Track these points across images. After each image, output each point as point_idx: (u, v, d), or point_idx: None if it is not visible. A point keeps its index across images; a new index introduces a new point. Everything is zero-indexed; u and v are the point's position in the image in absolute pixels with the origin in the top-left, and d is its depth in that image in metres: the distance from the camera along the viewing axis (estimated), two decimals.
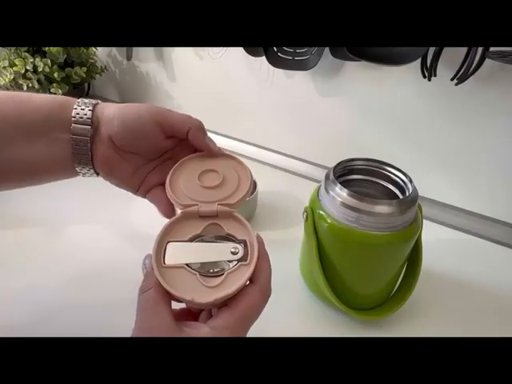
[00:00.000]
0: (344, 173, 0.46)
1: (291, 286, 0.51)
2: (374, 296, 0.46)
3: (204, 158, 0.37)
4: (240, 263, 0.29)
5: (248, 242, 0.30)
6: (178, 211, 0.34)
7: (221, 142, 0.87)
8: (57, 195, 0.67)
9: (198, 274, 0.29)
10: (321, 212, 0.42)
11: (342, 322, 0.47)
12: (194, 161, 0.36)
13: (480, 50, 0.49)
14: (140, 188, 0.36)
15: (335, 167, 0.44)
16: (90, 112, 0.33)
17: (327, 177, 0.43)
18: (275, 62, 0.66)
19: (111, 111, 0.33)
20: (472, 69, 0.50)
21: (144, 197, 0.37)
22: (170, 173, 0.35)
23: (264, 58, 0.66)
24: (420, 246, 0.46)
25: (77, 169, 0.34)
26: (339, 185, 0.41)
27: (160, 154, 0.36)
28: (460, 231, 0.63)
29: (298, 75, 0.72)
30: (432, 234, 0.49)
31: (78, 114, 0.33)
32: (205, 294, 0.27)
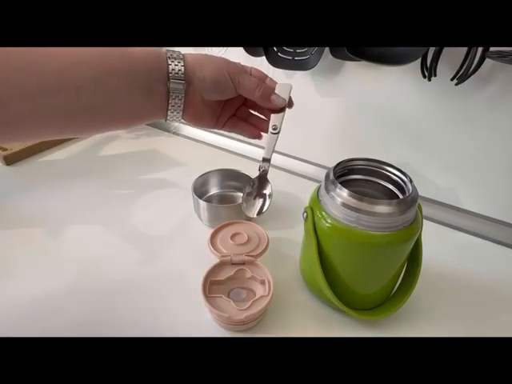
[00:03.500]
0: (344, 173, 0.46)
1: (291, 286, 0.51)
2: (374, 296, 0.46)
3: (233, 225, 0.53)
4: (261, 295, 0.44)
5: (266, 281, 0.45)
6: (217, 260, 0.48)
7: (221, 142, 0.88)
8: (57, 195, 0.67)
9: (232, 301, 0.43)
10: (321, 212, 0.42)
11: (342, 322, 0.47)
12: (227, 227, 0.53)
13: (480, 49, 0.49)
14: (217, 124, 0.46)
15: (335, 167, 0.44)
16: (182, 68, 0.38)
17: (327, 177, 0.43)
18: (275, 61, 0.66)
19: (200, 71, 0.39)
20: (472, 69, 0.50)
21: (221, 129, 0.48)
22: (211, 235, 0.51)
23: (264, 58, 0.66)
24: (420, 245, 0.46)
25: (168, 117, 0.41)
26: (339, 185, 0.41)
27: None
28: (460, 231, 0.63)
29: (298, 75, 0.72)
30: (432, 234, 0.49)
31: (173, 69, 0.37)
32: (238, 313, 0.41)
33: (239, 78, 0.41)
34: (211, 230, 0.52)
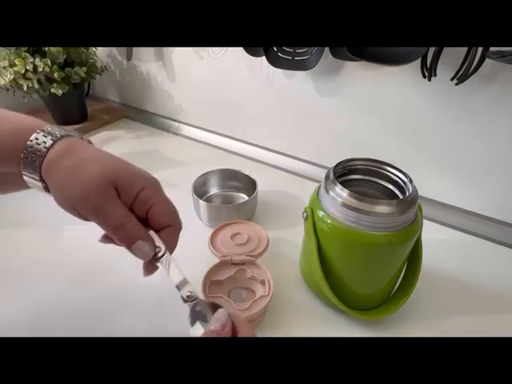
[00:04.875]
0: (344, 173, 0.46)
1: (291, 286, 0.51)
2: (374, 296, 0.46)
3: (233, 225, 0.53)
4: (261, 295, 0.44)
5: (266, 281, 0.45)
6: (217, 260, 0.48)
7: (221, 141, 0.88)
8: None
9: (232, 301, 0.43)
10: (321, 212, 0.42)
11: (342, 322, 0.47)
12: (227, 227, 0.53)
13: (480, 49, 0.49)
14: None
15: (335, 167, 0.44)
16: (38, 159, 0.30)
17: (327, 177, 0.43)
18: (275, 61, 0.66)
19: (50, 176, 0.30)
20: (472, 69, 0.50)
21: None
22: (211, 235, 0.51)
23: (264, 57, 0.66)
24: (420, 246, 0.46)
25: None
26: (339, 185, 0.41)
27: None
28: (460, 231, 0.63)
29: (298, 75, 0.72)
30: (432, 234, 0.49)
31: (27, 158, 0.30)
32: (238, 313, 0.41)
33: (101, 208, 0.30)
34: (211, 230, 0.52)
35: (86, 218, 0.31)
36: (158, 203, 0.33)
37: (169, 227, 0.33)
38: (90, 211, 0.30)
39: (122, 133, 0.93)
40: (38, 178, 0.30)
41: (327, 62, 0.66)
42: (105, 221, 0.31)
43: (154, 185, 0.34)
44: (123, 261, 0.55)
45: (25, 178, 0.31)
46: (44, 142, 0.30)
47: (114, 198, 0.31)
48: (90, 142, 0.36)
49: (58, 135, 0.31)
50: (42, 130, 0.31)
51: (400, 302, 0.45)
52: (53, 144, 0.30)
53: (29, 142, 0.30)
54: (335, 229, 0.41)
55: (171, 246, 0.34)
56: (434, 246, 0.50)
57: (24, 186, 0.33)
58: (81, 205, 0.30)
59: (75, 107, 0.90)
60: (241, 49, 0.73)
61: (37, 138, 0.30)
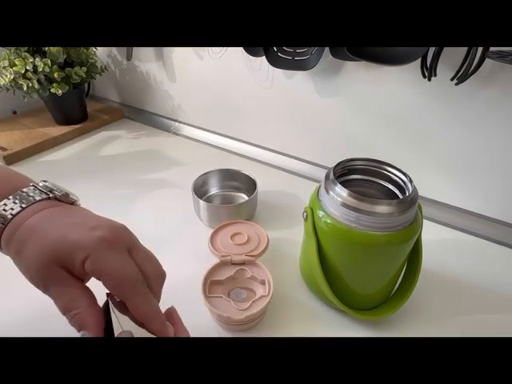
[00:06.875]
0: (344, 173, 0.46)
1: (291, 286, 0.51)
2: (374, 296, 0.46)
3: (233, 225, 0.54)
4: (261, 295, 0.44)
5: (266, 281, 0.45)
6: (217, 260, 0.48)
7: (221, 141, 0.88)
8: None
9: (232, 301, 0.43)
10: (321, 212, 0.42)
11: (342, 322, 0.47)
12: (227, 227, 0.53)
13: (480, 49, 0.49)
14: None
15: (335, 167, 0.44)
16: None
17: (327, 177, 0.43)
18: (275, 61, 0.66)
19: (22, 247, 0.28)
20: (472, 69, 0.50)
21: None
22: (211, 235, 0.51)
23: (264, 57, 0.66)
24: (420, 246, 0.46)
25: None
26: (339, 185, 0.41)
27: None
28: (460, 231, 0.63)
29: (298, 75, 0.72)
30: (432, 234, 0.49)
31: None
32: (238, 313, 0.42)
33: (48, 291, 0.28)
34: (211, 230, 0.52)
35: None
36: (102, 276, 0.28)
37: (124, 300, 0.29)
38: (45, 293, 0.28)
39: (121, 133, 0.93)
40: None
41: (327, 62, 0.66)
42: (56, 304, 0.28)
43: (99, 251, 0.28)
44: None
45: None
46: (11, 209, 0.28)
47: (57, 279, 0.27)
48: (74, 203, 0.34)
49: (32, 200, 0.28)
50: (14, 197, 0.28)
51: (400, 301, 0.45)
52: (20, 211, 0.28)
53: None
54: (335, 229, 0.41)
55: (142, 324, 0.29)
56: (434, 246, 0.50)
57: None
58: (36, 285, 0.28)
59: (75, 107, 0.90)
60: (241, 49, 0.73)
61: (5, 204, 0.28)
